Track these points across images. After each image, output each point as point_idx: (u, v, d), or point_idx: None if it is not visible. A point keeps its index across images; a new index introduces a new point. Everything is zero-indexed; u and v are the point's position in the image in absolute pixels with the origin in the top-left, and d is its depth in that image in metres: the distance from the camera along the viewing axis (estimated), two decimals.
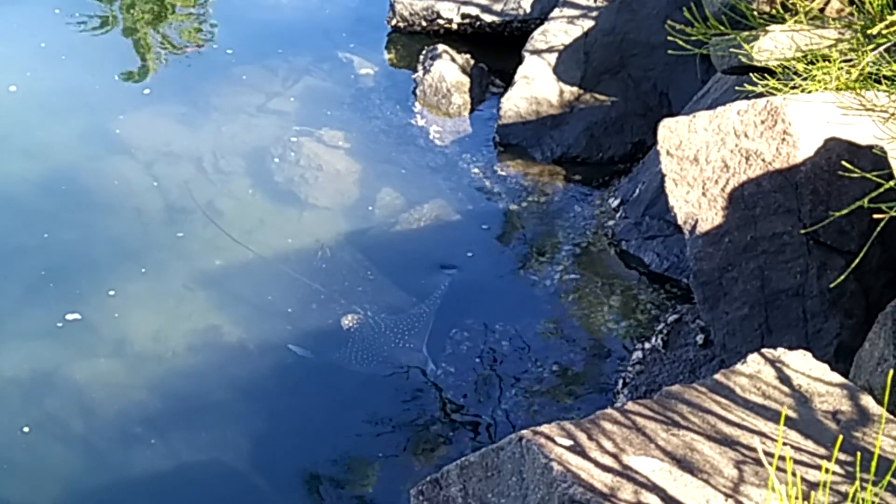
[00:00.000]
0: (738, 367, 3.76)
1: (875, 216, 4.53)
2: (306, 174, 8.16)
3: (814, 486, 3.02)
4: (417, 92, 9.19)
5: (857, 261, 4.92)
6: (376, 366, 6.56)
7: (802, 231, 5.22)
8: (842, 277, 4.94)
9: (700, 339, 6.30)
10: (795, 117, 5.24)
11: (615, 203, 7.75)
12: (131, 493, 5.82)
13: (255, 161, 8.34)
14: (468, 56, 9.48)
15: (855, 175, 4.71)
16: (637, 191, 7.60)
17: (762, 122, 5.30)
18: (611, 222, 7.58)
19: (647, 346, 6.46)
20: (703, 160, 5.44)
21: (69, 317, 6.81)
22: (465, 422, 6.18)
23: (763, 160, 5.30)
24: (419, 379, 6.42)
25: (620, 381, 6.31)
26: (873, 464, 2.84)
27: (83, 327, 6.77)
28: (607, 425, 3.36)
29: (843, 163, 4.89)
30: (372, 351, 6.64)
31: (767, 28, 6.05)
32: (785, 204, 5.31)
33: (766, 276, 5.41)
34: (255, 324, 6.85)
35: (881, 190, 4.60)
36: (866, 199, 4.52)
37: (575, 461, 3.13)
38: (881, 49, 5.00)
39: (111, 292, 7.01)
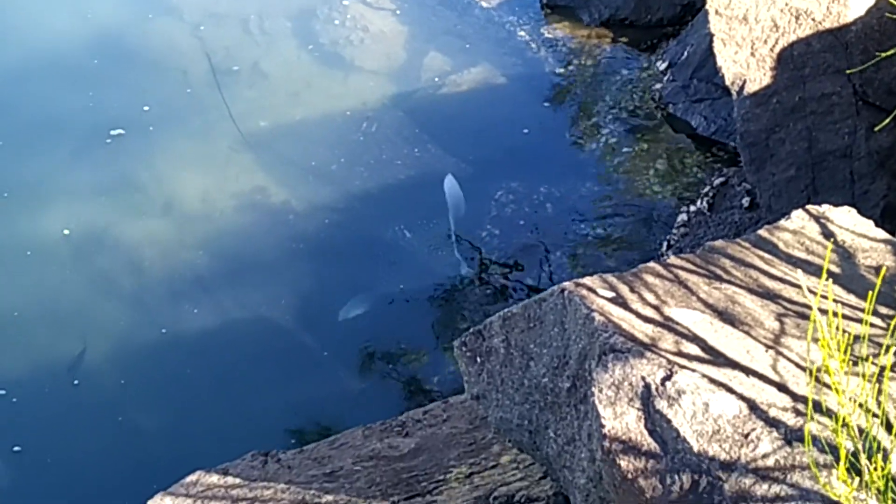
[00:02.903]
0: (782, 222, 3.74)
1: None
2: (352, 36, 8.12)
3: (855, 338, 3.03)
4: None
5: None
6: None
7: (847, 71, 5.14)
8: (887, 121, 4.88)
9: (746, 201, 6.27)
10: None
11: (663, 66, 7.65)
12: (179, 349, 5.95)
13: (301, 23, 8.30)
14: None
15: None
16: (685, 53, 7.50)
17: None
18: (658, 85, 7.50)
19: (692, 208, 6.45)
20: (753, 19, 5.36)
21: (115, 177, 6.91)
22: (508, 282, 6.23)
23: (813, 19, 5.21)
24: (464, 242, 6.46)
25: (665, 244, 6.31)
26: None
27: (131, 189, 6.86)
28: (649, 278, 3.37)
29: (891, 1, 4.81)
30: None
31: None
32: (835, 64, 5.23)
33: (813, 138, 5.36)
34: (300, 185, 6.90)
35: None
36: None
37: (616, 312, 3.15)
38: None
39: (159, 154, 7.08)
